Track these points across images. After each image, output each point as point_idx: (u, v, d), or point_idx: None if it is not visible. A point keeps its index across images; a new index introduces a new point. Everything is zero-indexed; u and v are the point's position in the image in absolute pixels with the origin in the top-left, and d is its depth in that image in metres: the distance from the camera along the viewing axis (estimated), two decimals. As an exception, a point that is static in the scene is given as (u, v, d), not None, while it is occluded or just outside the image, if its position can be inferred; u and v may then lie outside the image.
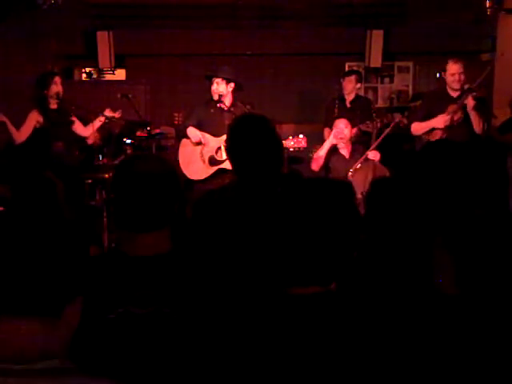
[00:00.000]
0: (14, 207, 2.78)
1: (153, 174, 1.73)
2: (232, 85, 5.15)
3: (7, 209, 2.93)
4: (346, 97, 6.37)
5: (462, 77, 5.19)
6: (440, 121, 5.17)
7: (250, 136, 2.39)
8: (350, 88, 6.35)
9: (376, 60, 7.92)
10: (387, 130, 5.56)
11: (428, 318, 1.66)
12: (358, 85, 6.46)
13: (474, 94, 5.08)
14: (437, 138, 5.15)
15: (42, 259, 1.10)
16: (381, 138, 5.38)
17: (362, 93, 8.24)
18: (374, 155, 5.03)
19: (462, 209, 2.02)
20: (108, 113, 5.53)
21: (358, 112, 6.17)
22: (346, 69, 8.25)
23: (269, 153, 2.38)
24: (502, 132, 5.89)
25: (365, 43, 7.86)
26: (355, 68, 8.25)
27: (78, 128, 5.60)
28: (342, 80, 6.44)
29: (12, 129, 5.24)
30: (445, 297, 1.66)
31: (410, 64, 8.31)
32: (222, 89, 5.09)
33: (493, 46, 7.35)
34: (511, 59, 6.76)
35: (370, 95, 8.35)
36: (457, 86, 5.22)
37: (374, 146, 5.26)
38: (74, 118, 5.57)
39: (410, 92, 8.35)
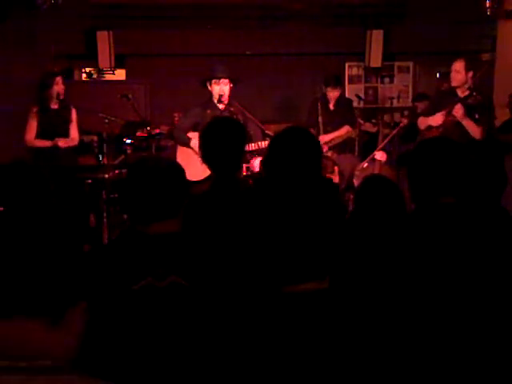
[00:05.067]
0: (8, 206, 2.79)
1: (163, 171, 1.96)
2: (232, 85, 5.15)
3: (5, 208, 2.93)
4: (330, 100, 6.19)
5: (459, 76, 5.02)
6: (435, 119, 5.14)
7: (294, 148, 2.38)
8: (335, 97, 6.15)
9: (376, 60, 7.92)
10: (394, 132, 5.57)
11: (417, 310, 1.67)
12: (341, 90, 6.27)
13: (479, 97, 5.01)
14: (432, 136, 5.11)
15: (36, 257, 1.11)
16: (388, 139, 5.39)
17: (362, 92, 8.27)
18: (380, 156, 5.06)
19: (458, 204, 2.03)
20: (59, 142, 5.38)
21: (340, 114, 6.13)
22: (346, 69, 8.28)
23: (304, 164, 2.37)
24: (502, 132, 5.89)
25: (365, 43, 7.87)
26: (355, 68, 8.27)
27: (72, 129, 5.55)
28: (324, 88, 6.18)
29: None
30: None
31: (410, 64, 8.31)
32: (227, 89, 5.09)
33: (493, 46, 7.35)
34: (511, 59, 6.76)
35: (370, 95, 8.36)
36: (453, 83, 5.11)
37: (380, 147, 5.28)
38: (72, 118, 5.57)
39: (410, 92, 8.34)
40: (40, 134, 5.37)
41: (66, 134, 5.46)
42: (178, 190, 1.97)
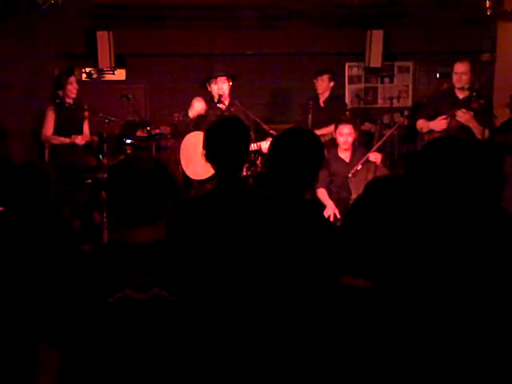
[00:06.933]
0: (6, 203, 2.77)
1: (146, 172, 1.83)
2: (231, 83, 5.16)
3: (6, 208, 2.92)
4: (320, 96, 6.25)
5: (464, 77, 5.05)
6: (437, 124, 5.12)
7: (295, 148, 2.35)
8: (323, 87, 6.22)
9: (376, 60, 7.92)
10: (389, 132, 5.51)
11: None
12: (332, 83, 6.28)
13: (482, 101, 5.00)
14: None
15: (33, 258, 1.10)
16: (383, 140, 5.34)
17: (361, 92, 8.27)
18: (375, 157, 4.97)
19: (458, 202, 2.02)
20: (77, 140, 5.59)
21: (332, 111, 6.10)
22: (347, 69, 8.28)
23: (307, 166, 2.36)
24: (502, 132, 5.88)
25: (365, 43, 7.87)
26: (355, 68, 8.26)
27: (85, 126, 5.83)
28: (314, 79, 6.28)
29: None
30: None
31: (410, 64, 8.31)
32: (225, 87, 5.10)
33: (493, 46, 7.35)
34: (511, 59, 6.76)
35: (370, 95, 8.36)
36: (458, 85, 5.12)
37: (375, 148, 5.20)
38: (85, 115, 5.80)
39: (410, 92, 8.34)
40: (57, 131, 5.59)
41: (80, 131, 5.71)
42: (161, 193, 1.84)
